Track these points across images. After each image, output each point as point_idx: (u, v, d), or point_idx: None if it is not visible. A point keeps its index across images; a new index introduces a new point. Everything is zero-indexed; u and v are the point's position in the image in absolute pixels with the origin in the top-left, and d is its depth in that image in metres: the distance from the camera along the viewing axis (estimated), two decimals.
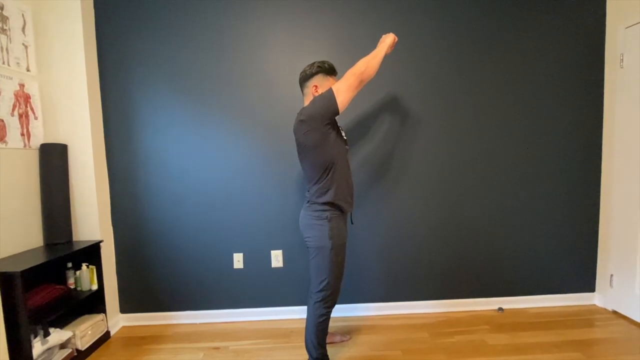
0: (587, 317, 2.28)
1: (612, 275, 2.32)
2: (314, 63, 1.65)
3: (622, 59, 2.19)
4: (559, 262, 2.42)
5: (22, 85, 1.94)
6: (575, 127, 2.35)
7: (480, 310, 2.41)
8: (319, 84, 1.63)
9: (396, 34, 1.73)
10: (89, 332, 2.02)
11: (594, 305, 2.44)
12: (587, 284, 2.45)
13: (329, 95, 1.50)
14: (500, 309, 2.40)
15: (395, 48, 1.75)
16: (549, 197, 2.38)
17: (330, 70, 1.66)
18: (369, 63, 1.55)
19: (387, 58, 1.69)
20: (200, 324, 2.37)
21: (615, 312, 2.31)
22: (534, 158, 2.36)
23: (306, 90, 1.68)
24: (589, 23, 2.30)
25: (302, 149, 1.61)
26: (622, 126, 2.22)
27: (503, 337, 2.07)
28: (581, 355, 1.86)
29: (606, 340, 2.00)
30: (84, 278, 2.07)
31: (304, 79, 1.66)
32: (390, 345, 2.04)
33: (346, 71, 1.55)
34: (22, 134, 1.93)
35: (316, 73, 1.63)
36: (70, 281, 2.07)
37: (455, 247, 2.39)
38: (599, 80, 2.34)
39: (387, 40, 1.69)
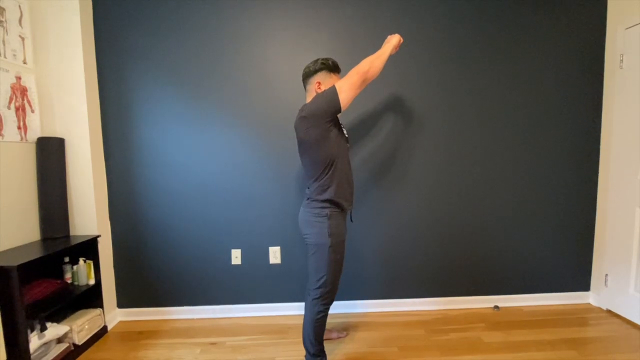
0: (581, 316, 2.30)
1: (606, 275, 2.34)
2: (317, 60, 1.64)
3: (622, 60, 2.19)
4: (554, 261, 2.45)
5: (18, 78, 1.91)
6: (574, 127, 2.36)
7: (476, 308, 2.43)
8: (322, 81, 1.62)
9: (398, 33, 1.72)
10: (86, 326, 2.02)
11: (589, 304, 2.46)
12: (582, 283, 2.48)
13: (332, 93, 1.49)
14: (496, 307, 2.42)
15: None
16: (545, 196, 2.40)
17: (334, 68, 1.65)
18: (373, 63, 1.54)
19: (390, 58, 1.68)
20: (197, 319, 2.37)
21: (609, 311, 2.34)
22: (531, 157, 2.37)
23: (309, 87, 1.67)
24: (589, 24, 2.30)
25: (302, 145, 1.60)
26: (621, 127, 2.23)
27: (498, 334, 2.10)
28: (575, 353, 1.89)
29: (600, 339, 2.03)
30: (81, 273, 2.06)
31: (307, 75, 1.65)
32: (386, 341, 2.05)
33: (349, 69, 1.54)
34: (19, 128, 1.91)
35: (320, 70, 1.62)
36: (68, 276, 2.06)
37: (452, 246, 2.41)
38: (599, 80, 2.34)
39: (393, 40, 1.68)
